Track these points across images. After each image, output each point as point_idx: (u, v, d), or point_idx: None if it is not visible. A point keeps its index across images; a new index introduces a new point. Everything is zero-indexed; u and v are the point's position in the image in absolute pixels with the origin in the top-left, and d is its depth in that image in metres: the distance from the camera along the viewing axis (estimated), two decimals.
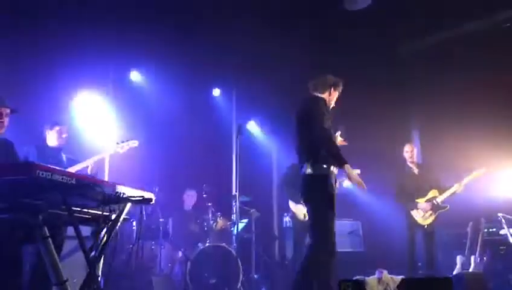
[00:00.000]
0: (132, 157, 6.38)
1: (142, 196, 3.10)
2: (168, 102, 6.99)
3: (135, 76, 7.11)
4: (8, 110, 3.49)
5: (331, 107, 4.29)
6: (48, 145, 4.79)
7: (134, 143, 5.02)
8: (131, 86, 7.10)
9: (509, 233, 5.68)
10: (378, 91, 7.16)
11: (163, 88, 7.08)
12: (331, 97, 4.32)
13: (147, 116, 6.87)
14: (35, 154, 4.49)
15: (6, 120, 3.47)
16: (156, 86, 7.15)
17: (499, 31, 6.35)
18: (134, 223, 5.68)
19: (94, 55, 5.99)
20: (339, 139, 4.49)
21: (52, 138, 4.78)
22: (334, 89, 4.32)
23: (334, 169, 3.88)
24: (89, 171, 4.67)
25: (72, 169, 4.48)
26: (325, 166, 3.82)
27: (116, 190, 2.92)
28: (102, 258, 3.12)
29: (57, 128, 4.79)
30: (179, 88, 6.98)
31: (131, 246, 5.42)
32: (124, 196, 2.97)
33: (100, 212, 2.97)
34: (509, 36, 6.25)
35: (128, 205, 3.15)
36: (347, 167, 3.71)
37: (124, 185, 3.02)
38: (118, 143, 4.94)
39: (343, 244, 6.74)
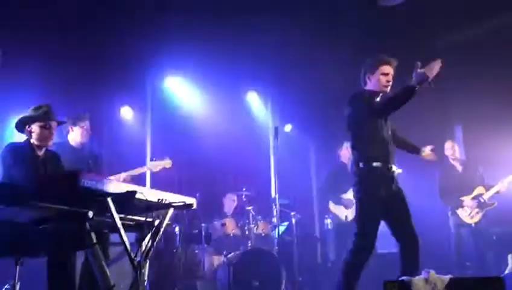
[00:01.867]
0: (173, 163, 6.51)
1: (184, 202, 3.16)
2: (205, 106, 7.07)
3: (170, 82, 7.20)
4: (55, 124, 3.59)
5: (384, 89, 3.77)
6: (71, 145, 4.45)
7: (168, 164, 4.90)
8: (167, 92, 7.21)
9: None
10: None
11: (199, 92, 7.18)
12: (375, 80, 3.78)
13: (184, 121, 6.98)
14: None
15: (54, 133, 3.57)
16: (192, 90, 7.24)
17: None
18: (177, 229, 5.76)
19: (132, 62, 6.12)
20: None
21: (76, 136, 4.44)
22: (372, 72, 3.81)
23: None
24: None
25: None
26: None
27: (159, 197, 2.98)
28: (147, 264, 3.18)
29: (82, 124, 4.46)
30: (215, 91, 7.04)
31: (174, 250, 5.50)
32: (166, 202, 3.03)
33: (144, 219, 3.05)
34: None
35: (171, 210, 3.20)
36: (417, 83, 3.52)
37: (166, 191, 3.09)
38: (152, 160, 4.89)
39: (389, 245, 6.59)
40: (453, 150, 5.94)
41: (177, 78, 7.19)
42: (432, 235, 6.48)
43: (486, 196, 5.63)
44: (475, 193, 5.66)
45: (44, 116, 3.48)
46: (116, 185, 2.63)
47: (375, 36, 6.54)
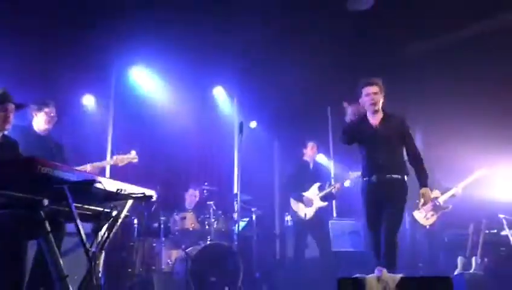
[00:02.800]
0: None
1: (143, 193, 3.12)
2: (170, 99, 7.00)
3: (136, 73, 7.09)
4: (13, 106, 3.47)
5: (370, 108, 4.22)
6: (34, 131, 4.36)
7: (135, 159, 4.84)
8: (131, 84, 7.09)
9: (510, 234, 5.66)
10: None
11: (164, 85, 7.10)
12: (363, 102, 4.28)
13: (148, 113, 6.89)
14: (22, 142, 3.94)
15: (11, 116, 3.46)
16: (158, 83, 7.15)
17: (502, 33, 6.35)
18: (135, 221, 5.69)
19: (97, 52, 6.00)
20: None
21: (40, 122, 4.34)
22: (360, 96, 4.28)
23: None
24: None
25: None
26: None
27: (118, 187, 2.93)
28: (102, 255, 3.13)
29: (47, 109, 4.33)
30: (181, 84, 6.99)
31: (132, 243, 5.44)
32: (125, 193, 2.99)
33: (101, 209, 3.00)
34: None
35: (130, 202, 3.16)
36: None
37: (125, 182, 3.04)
38: (118, 154, 4.80)
39: (344, 243, 6.74)
40: None
41: (143, 69, 7.09)
42: None
43: (442, 199, 5.81)
44: (432, 195, 5.82)
45: None
46: (74, 173, 2.57)
47: (343, 39, 6.65)
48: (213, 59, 6.85)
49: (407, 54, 7.12)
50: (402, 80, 7.02)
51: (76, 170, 2.67)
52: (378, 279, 2.53)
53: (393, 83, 6.74)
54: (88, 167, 4.45)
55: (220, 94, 8.09)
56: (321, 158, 8.02)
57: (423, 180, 4.17)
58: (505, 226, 5.74)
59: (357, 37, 6.67)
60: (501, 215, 5.80)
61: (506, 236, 5.72)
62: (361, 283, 2.52)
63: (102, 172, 5.23)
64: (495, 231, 6.04)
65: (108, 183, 2.84)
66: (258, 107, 8.11)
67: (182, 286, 5.29)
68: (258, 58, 6.97)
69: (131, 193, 3.05)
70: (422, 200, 4.18)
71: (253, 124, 8.30)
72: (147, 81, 7.18)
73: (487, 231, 6.06)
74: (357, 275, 2.58)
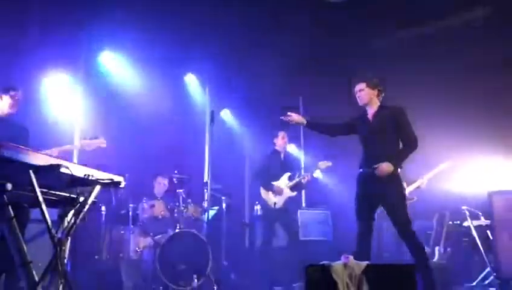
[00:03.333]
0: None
1: (112, 179, 3.08)
2: (141, 84, 6.90)
3: (106, 58, 6.95)
4: None
5: (361, 104, 4.43)
6: None
7: (103, 143, 4.74)
8: (102, 68, 6.95)
9: (472, 225, 5.84)
10: (350, 89, 7.28)
11: (133, 71, 6.98)
12: None
13: (119, 99, 6.78)
14: None
15: None
16: (129, 67, 7.03)
17: (467, 29, 6.51)
18: (103, 208, 5.62)
19: (66, 34, 5.85)
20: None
21: (4, 105, 4.23)
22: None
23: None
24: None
25: None
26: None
27: (85, 172, 2.88)
28: (68, 241, 3.08)
29: (12, 93, 4.20)
30: (152, 70, 6.89)
31: (99, 230, 5.37)
32: (93, 178, 2.94)
33: (68, 195, 2.95)
34: (475, 34, 6.40)
35: (97, 187, 3.11)
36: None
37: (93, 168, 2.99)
38: (85, 139, 4.68)
39: (312, 233, 6.84)
40: None
41: (113, 54, 6.96)
42: (356, 226, 6.77)
43: (407, 190, 5.93)
44: None
45: None
46: (39, 157, 2.51)
47: (315, 30, 6.68)
48: (185, 46, 6.78)
49: (375, 46, 7.21)
50: (371, 71, 7.13)
51: (41, 153, 2.60)
52: (345, 266, 2.58)
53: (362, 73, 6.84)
54: (54, 151, 4.36)
55: (191, 82, 8.01)
56: (292, 148, 8.08)
57: (396, 155, 4.19)
58: (468, 218, 5.91)
59: (329, 28, 6.71)
60: (464, 207, 5.97)
61: (469, 227, 5.90)
62: (328, 270, 2.56)
63: (69, 157, 5.14)
64: (458, 222, 6.22)
65: (75, 169, 2.79)
66: (229, 96, 8.09)
67: (149, 274, 5.27)
68: (231, 47, 6.94)
69: (99, 179, 3.01)
70: (376, 169, 4.12)
71: (224, 113, 8.29)
72: (117, 67, 7.04)
73: (450, 222, 6.24)
74: (324, 262, 2.62)
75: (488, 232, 5.73)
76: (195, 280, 5.22)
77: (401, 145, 4.27)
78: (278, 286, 5.62)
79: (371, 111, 4.36)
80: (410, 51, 6.78)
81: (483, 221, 5.90)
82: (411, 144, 4.19)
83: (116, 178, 3.14)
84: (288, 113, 4.66)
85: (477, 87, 6.70)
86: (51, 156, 3.47)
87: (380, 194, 4.15)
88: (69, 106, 6.36)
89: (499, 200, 5.41)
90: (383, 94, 4.39)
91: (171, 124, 7.08)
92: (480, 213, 5.98)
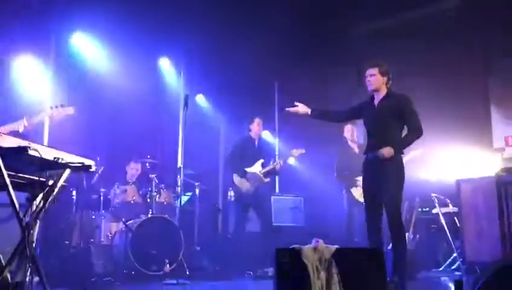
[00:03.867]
0: (74, 125, 6.19)
1: (82, 163, 3.03)
2: (113, 67, 6.77)
3: (78, 39, 6.78)
4: None
5: (370, 88, 4.38)
6: None
7: (71, 110, 4.60)
8: (73, 51, 6.79)
9: (441, 212, 5.99)
10: (329, 74, 7.35)
11: (107, 53, 6.84)
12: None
13: (91, 83, 6.65)
14: None
15: None
16: (100, 51, 6.88)
17: (440, 19, 6.60)
18: (74, 192, 5.54)
19: (35, 16, 5.69)
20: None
21: None
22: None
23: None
24: (20, 130, 4.16)
25: (4, 129, 4.10)
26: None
27: (55, 155, 2.83)
28: (37, 225, 3.03)
29: None
30: (125, 53, 6.74)
31: (70, 215, 5.30)
32: (63, 161, 2.89)
33: (36, 178, 2.89)
34: (449, 23, 6.50)
35: (67, 171, 3.06)
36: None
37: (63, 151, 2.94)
38: (52, 107, 4.54)
39: (285, 218, 6.90)
40: (351, 132, 6.30)
41: (86, 35, 6.79)
42: (328, 211, 6.87)
43: None
44: None
45: None
46: (6, 139, 2.46)
47: (293, 16, 6.67)
48: (160, 29, 6.68)
49: (351, 34, 7.25)
50: (345, 59, 7.20)
51: (8, 136, 2.54)
52: (315, 249, 2.61)
53: (337, 62, 6.89)
54: (24, 121, 4.20)
55: (165, 65, 7.91)
56: (266, 135, 8.10)
57: (400, 141, 4.24)
58: (436, 205, 6.06)
59: (305, 15, 6.71)
60: (433, 195, 6.11)
61: (437, 214, 6.05)
62: (298, 253, 2.60)
63: (39, 139, 5.03)
64: (427, 209, 6.37)
65: (44, 151, 2.74)
66: (204, 81, 8.03)
67: (121, 259, 5.24)
68: (206, 32, 6.86)
69: (69, 162, 2.95)
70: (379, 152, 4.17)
71: (199, 98, 8.24)
72: (90, 49, 6.88)
73: (420, 209, 6.38)
74: (294, 246, 2.65)
75: (456, 219, 5.89)
76: (167, 265, 5.21)
77: (400, 132, 4.32)
78: (251, 271, 5.66)
79: (378, 97, 4.37)
80: (386, 39, 6.83)
81: (451, 208, 6.06)
82: (414, 132, 4.23)
83: (87, 162, 3.09)
84: (295, 103, 4.64)
85: (449, 78, 6.84)
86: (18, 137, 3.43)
87: (383, 175, 4.15)
88: (38, 88, 6.20)
89: (466, 188, 5.56)
90: (391, 82, 4.40)
91: (145, 108, 7.00)
92: (448, 200, 6.14)
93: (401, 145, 4.21)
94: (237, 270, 5.86)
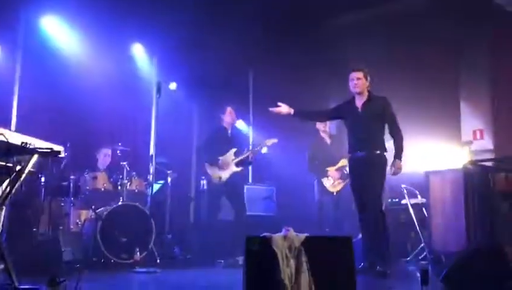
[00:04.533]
0: (45, 110, 6.07)
1: (51, 148, 2.98)
2: (85, 52, 6.62)
3: (48, 22, 6.60)
4: None
5: (354, 91, 4.73)
6: None
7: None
8: (44, 34, 6.61)
9: (410, 203, 6.11)
10: (303, 64, 7.35)
11: (79, 38, 6.68)
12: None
13: (62, 66, 6.49)
14: None
15: None
16: (71, 36, 6.72)
17: (412, 13, 6.67)
18: (43, 179, 5.43)
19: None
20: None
21: None
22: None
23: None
24: None
25: None
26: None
27: (22, 140, 2.77)
28: (3, 212, 2.96)
29: None
30: (98, 38, 6.60)
31: (38, 202, 5.20)
32: (31, 147, 2.83)
33: (3, 163, 2.83)
34: (421, 18, 6.58)
35: (35, 156, 3.00)
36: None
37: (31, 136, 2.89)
38: None
39: (257, 208, 6.94)
40: (323, 123, 6.35)
41: (56, 18, 6.61)
42: (300, 201, 6.93)
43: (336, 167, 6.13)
44: (339, 164, 6.11)
45: None
46: None
47: (270, 5, 6.65)
48: (133, 15, 6.55)
49: (325, 26, 7.27)
50: (318, 48, 7.23)
51: None
52: (285, 237, 2.64)
53: (310, 51, 6.90)
54: None
55: (138, 52, 7.77)
56: (240, 124, 8.09)
57: (396, 152, 4.61)
58: (405, 196, 6.17)
59: (281, 6, 6.70)
60: (403, 186, 6.22)
61: (406, 205, 6.16)
62: (268, 241, 2.61)
63: (7, 125, 4.91)
64: (396, 200, 6.48)
65: (12, 136, 2.68)
66: (178, 68, 7.94)
67: (90, 246, 5.18)
68: (180, 19, 6.78)
69: (37, 148, 2.90)
70: (392, 169, 4.60)
71: (173, 86, 8.13)
72: (60, 33, 6.71)
73: (390, 200, 6.49)
74: (264, 234, 2.67)
75: (424, 210, 6.02)
76: (138, 253, 5.18)
77: (386, 132, 4.72)
78: (222, 259, 5.67)
79: (361, 99, 4.70)
80: (359, 32, 6.88)
81: (420, 199, 6.18)
82: (401, 138, 4.64)
83: (56, 147, 3.04)
84: (278, 104, 4.84)
85: (419, 72, 6.95)
86: None
87: (369, 171, 4.55)
88: (6, 74, 6.03)
89: (434, 180, 5.68)
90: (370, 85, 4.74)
91: (117, 95, 6.87)
92: (417, 192, 6.26)
93: (401, 155, 4.61)
94: (208, 259, 5.87)
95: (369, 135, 4.60)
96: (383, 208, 4.64)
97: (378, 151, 4.57)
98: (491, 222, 4.64)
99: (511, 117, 6.56)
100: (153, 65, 7.89)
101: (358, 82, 4.64)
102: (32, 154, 2.97)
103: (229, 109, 6.30)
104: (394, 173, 4.60)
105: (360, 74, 4.64)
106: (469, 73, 6.95)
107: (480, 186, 4.77)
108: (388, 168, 4.62)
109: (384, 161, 4.60)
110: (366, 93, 4.69)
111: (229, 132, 6.34)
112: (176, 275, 4.95)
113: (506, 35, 6.49)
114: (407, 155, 6.57)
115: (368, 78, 4.68)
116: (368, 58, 6.58)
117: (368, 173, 4.54)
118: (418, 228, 5.98)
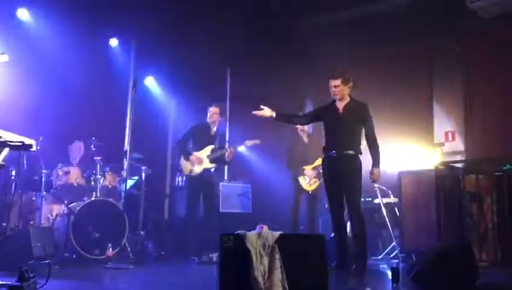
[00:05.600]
0: (17, 103, 5.92)
1: (22, 142, 2.93)
2: (60, 46, 6.49)
3: (23, 14, 6.47)
4: None
5: (335, 98, 4.74)
6: None
7: (4, 58, 4.32)
8: (18, 25, 6.46)
9: (382, 203, 6.19)
10: (277, 62, 7.37)
11: (55, 31, 6.55)
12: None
13: (36, 59, 6.35)
14: None
15: None
16: (47, 29, 6.59)
17: (387, 14, 6.76)
18: (13, 173, 5.32)
19: None
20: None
21: None
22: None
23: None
24: None
25: None
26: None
27: None
28: None
29: None
30: (74, 32, 6.49)
31: (7, 196, 5.09)
32: (1, 140, 2.78)
33: None
34: (395, 19, 6.67)
35: (6, 150, 2.95)
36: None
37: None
38: None
39: (232, 205, 6.95)
40: None
41: (30, 10, 6.48)
42: (275, 199, 6.96)
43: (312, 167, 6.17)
44: (316, 163, 6.15)
45: None
46: None
47: (248, 4, 6.65)
48: (111, 9, 6.46)
49: (305, 26, 7.31)
50: (295, 48, 7.26)
51: None
52: (259, 235, 2.65)
53: (287, 50, 6.91)
54: None
55: (115, 45, 7.67)
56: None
57: (374, 160, 4.66)
58: (379, 195, 6.25)
59: (261, 6, 6.71)
60: (376, 185, 6.30)
61: (379, 204, 6.25)
62: (242, 239, 2.62)
63: None
64: (370, 199, 6.56)
65: None
66: (155, 63, 7.87)
67: (62, 242, 5.11)
68: (158, 13, 6.72)
69: (8, 141, 2.85)
70: (371, 177, 4.66)
71: (149, 81, 8.04)
72: (35, 24, 6.57)
73: (362, 199, 6.56)
74: (239, 231, 2.68)
75: (396, 209, 6.11)
76: (110, 249, 5.13)
77: (362, 135, 4.76)
78: (195, 256, 5.66)
79: (341, 103, 4.73)
80: (334, 31, 6.93)
81: (392, 199, 6.28)
82: (377, 145, 4.70)
83: (28, 141, 3.00)
84: (261, 106, 4.87)
85: (393, 73, 7.05)
86: None
87: (344, 170, 4.60)
88: None
89: (407, 180, 5.77)
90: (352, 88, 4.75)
91: (92, 88, 6.77)
92: (390, 192, 6.35)
93: (378, 162, 4.66)
94: (182, 256, 5.84)
95: (347, 136, 4.65)
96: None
97: (352, 152, 4.63)
98: (460, 222, 4.75)
99: (482, 120, 6.71)
100: (130, 59, 7.79)
101: (336, 90, 4.66)
102: (3, 148, 2.92)
103: (216, 109, 6.31)
104: (372, 181, 4.70)
105: (337, 81, 4.64)
106: (442, 75, 7.07)
107: (450, 187, 4.88)
108: (366, 174, 4.70)
109: (359, 162, 4.66)
110: (347, 98, 4.74)
111: (214, 129, 6.32)
112: (149, 272, 4.92)
113: (479, 37, 6.63)
114: (381, 155, 6.72)
115: (348, 81, 4.68)
116: (340, 57, 6.67)
117: (344, 173, 4.59)
118: (390, 226, 6.08)
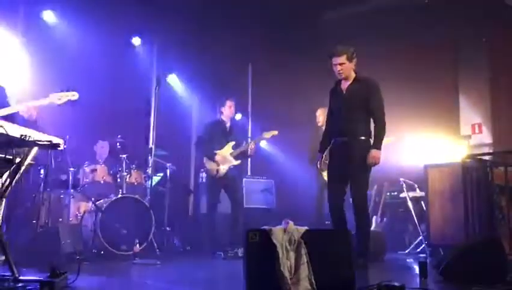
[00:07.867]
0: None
1: (50, 141, 2.98)
2: (85, 46, 6.59)
3: (48, 16, 6.59)
4: None
5: (339, 77, 4.43)
6: None
7: (74, 96, 4.48)
8: (44, 27, 6.58)
9: (408, 196, 6.13)
10: (302, 58, 7.34)
11: (79, 31, 6.66)
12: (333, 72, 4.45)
13: (61, 60, 6.47)
14: None
15: None
16: (72, 29, 6.69)
17: (412, 7, 6.66)
18: (42, 171, 5.43)
19: None
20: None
21: None
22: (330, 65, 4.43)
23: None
24: (25, 116, 4.13)
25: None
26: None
27: (22, 133, 2.78)
28: (3, 204, 2.97)
29: None
30: (97, 32, 6.58)
31: (37, 194, 5.20)
32: (30, 139, 2.84)
33: (2, 155, 2.84)
34: (421, 12, 6.56)
35: (34, 149, 3.01)
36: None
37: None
38: (56, 92, 4.36)
39: (256, 201, 6.96)
40: (323, 116, 6.33)
41: (56, 12, 6.60)
42: (299, 194, 6.94)
43: None
44: None
45: None
46: None
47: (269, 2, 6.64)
48: (134, 8, 6.53)
49: (326, 18, 7.25)
50: (317, 42, 7.21)
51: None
52: (284, 230, 2.65)
53: (309, 45, 6.87)
54: (23, 107, 4.10)
55: (139, 44, 7.74)
56: (239, 117, 8.09)
57: (374, 141, 4.27)
58: (404, 189, 6.19)
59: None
60: (401, 179, 6.24)
61: (405, 198, 6.19)
62: (268, 234, 2.63)
63: (47, 127, 4.85)
64: (395, 193, 6.50)
65: (11, 128, 2.69)
66: (177, 61, 7.92)
67: (90, 238, 5.20)
68: (182, 12, 6.76)
69: (37, 140, 2.90)
70: (368, 159, 4.22)
71: (172, 78, 8.10)
72: (60, 23, 6.69)
73: (388, 193, 6.52)
74: (264, 227, 2.68)
75: (422, 203, 6.04)
76: (137, 245, 5.20)
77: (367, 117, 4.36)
78: (221, 251, 5.69)
79: (346, 83, 4.39)
80: (358, 25, 6.86)
81: (418, 193, 6.20)
82: (380, 124, 4.27)
83: (55, 140, 3.05)
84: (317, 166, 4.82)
85: (419, 66, 6.94)
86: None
87: (350, 158, 4.27)
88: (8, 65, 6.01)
89: (433, 173, 5.69)
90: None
91: (117, 86, 6.86)
92: (416, 185, 6.28)
93: (379, 143, 4.24)
94: (208, 251, 5.88)
95: (352, 118, 4.30)
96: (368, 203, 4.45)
97: (362, 137, 4.28)
98: (489, 215, 4.65)
99: (509, 111, 6.58)
100: (154, 57, 7.87)
101: (342, 67, 4.27)
102: (32, 147, 2.98)
103: (228, 103, 6.26)
104: (369, 164, 4.23)
105: (342, 58, 4.25)
106: (468, 67, 6.95)
107: (478, 180, 4.78)
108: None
109: (365, 147, 4.24)
110: (352, 75, 4.37)
111: (227, 125, 6.31)
112: (176, 267, 4.97)
113: (506, 29, 6.49)
114: (407, 149, 6.64)
115: (353, 58, 4.29)
116: (365, 52, 6.59)
117: (349, 160, 4.26)
118: (416, 220, 6.01)
